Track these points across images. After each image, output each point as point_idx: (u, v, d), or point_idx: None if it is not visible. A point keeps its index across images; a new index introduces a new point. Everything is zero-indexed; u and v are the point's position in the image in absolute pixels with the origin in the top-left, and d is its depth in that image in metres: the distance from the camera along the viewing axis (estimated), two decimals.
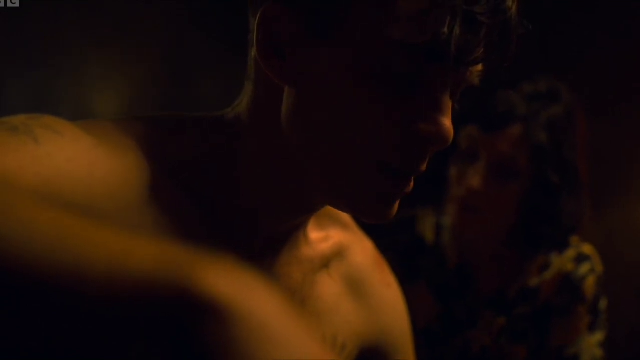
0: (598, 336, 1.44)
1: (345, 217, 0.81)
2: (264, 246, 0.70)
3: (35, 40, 2.35)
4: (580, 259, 1.46)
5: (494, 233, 1.45)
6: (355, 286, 0.79)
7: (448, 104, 0.62)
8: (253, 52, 0.65)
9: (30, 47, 2.36)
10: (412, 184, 0.64)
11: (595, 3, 2.26)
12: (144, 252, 0.38)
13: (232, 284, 0.37)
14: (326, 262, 0.76)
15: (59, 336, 0.37)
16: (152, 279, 0.37)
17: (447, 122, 0.61)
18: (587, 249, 1.48)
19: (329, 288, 0.76)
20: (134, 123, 0.65)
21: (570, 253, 1.47)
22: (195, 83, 2.57)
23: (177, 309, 0.36)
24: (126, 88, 2.53)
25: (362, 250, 0.81)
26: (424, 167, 0.63)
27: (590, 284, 1.44)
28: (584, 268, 1.45)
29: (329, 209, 0.73)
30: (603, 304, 1.46)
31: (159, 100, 2.49)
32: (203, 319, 0.36)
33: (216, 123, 0.68)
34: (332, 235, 0.78)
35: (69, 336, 0.37)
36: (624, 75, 2.25)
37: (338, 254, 0.78)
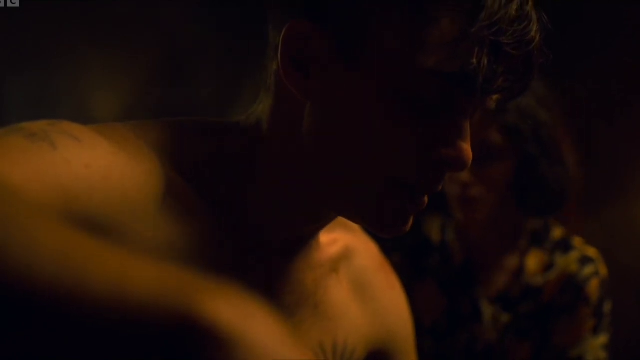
0: (602, 339, 1.45)
1: None
2: (279, 252, 0.70)
3: (35, 40, 2.34)
4: (584, 260, 1.48)
5: (495, 212, 1.47)
6: (362, 289, 0.80)
7: (468, 129, 0.63)
8: (274, 65, 0.64)
9: (30, 47, 2.36)
10: (426, 200, 0.65)
11: (594, 7, 2.27)
12: (146, 274, 0.39)
13: (232, 311, 0.38)
14: (335, 265, 0.77)
15: (56, 351, 0.37)
16: (153, 303, 0.37)
17: (467, 147, 0.62)
18: (591, 252, 1.50)
19: (338, 293, 0.77)
20: (150, 128, 0.65)
21: (575, 254, 1.49)
22: (195, 83, 2.57)
23: (178, 333, 0.37)
24: (126, 88, 2.53)
25: (367, 253, 0.82)
26: (440, 187, 0.64)
27: (594, 286, 1.46)
28: (588, 270, 1.47)
29: None
30: (607, 307, 1.47)
31: (159, 100, 2.48)
32: (203, 344, 0.36)
33: (232, 129, 0.68)
34: (339, 239, 0.78)
35: (67, 352, 0.37)
36: (623, 77, 2.25)
37: (345, 257, 0.78)
